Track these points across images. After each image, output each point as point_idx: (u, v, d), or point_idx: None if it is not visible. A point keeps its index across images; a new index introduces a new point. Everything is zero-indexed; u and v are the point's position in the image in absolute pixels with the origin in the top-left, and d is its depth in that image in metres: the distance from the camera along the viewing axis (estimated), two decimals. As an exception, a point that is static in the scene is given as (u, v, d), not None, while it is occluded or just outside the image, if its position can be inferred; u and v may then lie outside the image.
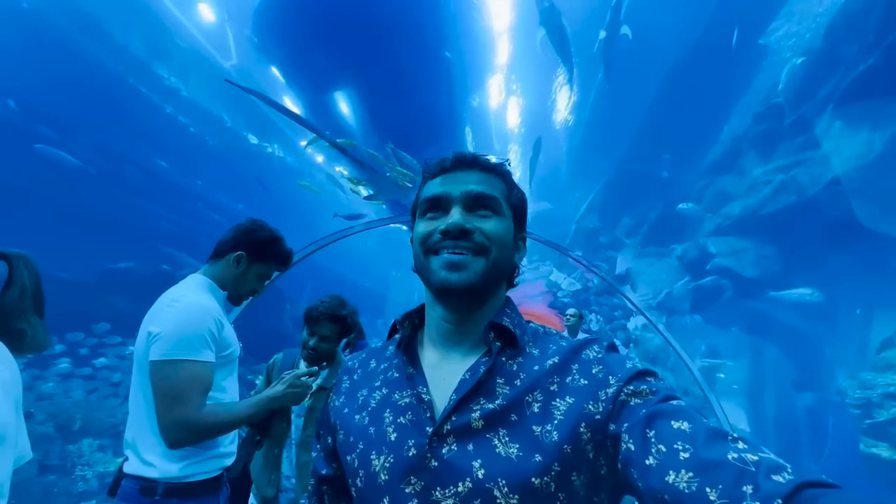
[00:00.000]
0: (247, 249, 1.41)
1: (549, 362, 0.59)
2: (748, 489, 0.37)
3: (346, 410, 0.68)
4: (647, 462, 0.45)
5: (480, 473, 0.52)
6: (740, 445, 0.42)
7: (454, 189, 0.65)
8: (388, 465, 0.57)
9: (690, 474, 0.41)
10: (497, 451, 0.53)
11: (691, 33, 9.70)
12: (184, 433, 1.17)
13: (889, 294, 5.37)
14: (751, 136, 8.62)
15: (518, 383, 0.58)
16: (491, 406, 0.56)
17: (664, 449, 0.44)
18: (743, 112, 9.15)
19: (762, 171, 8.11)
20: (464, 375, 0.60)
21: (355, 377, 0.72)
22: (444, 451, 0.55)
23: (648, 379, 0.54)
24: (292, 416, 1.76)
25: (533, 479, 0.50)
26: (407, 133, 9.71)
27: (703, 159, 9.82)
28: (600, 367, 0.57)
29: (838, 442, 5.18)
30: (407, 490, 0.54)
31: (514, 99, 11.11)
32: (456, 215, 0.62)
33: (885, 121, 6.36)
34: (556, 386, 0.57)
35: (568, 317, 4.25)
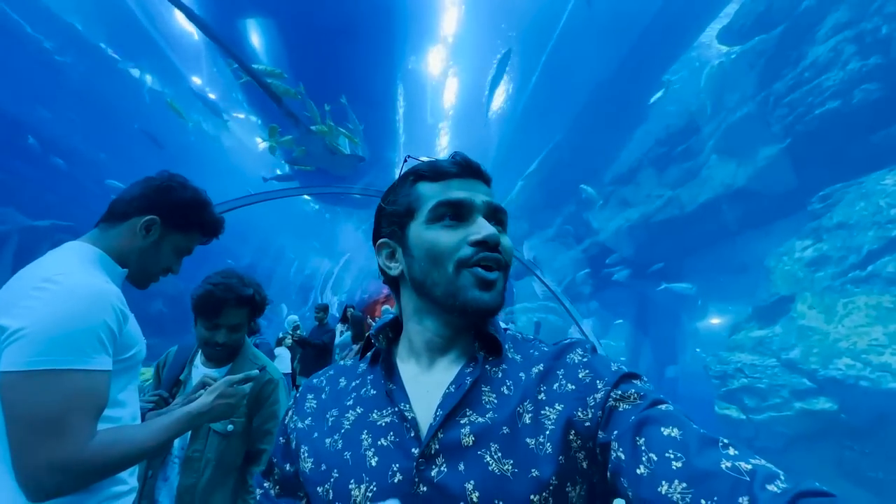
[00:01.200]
0: (162, 213, 1.03)
1: (535, 370, 0.57)
2: (744, 501, 0.37)
3: (315, 435, 0.60)
4: (637, 471, 0.44)
5: (475, 496, 0.48)
6: (732, 452, 0.41)
7: (476, 197, 0.59)
8: (370, 494, 0.51)
9: (684, 485, 0.40)
10: (491, 468, 0.49)
11: (614, 59, 10.88)
12: (62, 478, 0.78)
13: (742, 289, 6.84)
14: (651, 156, 10.09)
15: (505, 391, 0.55)
16: (481, 420, 0.52)
17: (655, 458, 0.43)
18: (646, 135, 10.64)
19: (656, 186, 9.52)
20: (448, 388, 0.56)
21: (323, 396, 0.64)
22: (433, 473, 0.50)
23: (635, 382, 0.53)
24: None
25: (532, 497, 0.48)
26: (328, 80, 8.77)
27: (610, 169, 11.14)
28: (586, 370, 0.55)
29: (697, 405, 6.50)
30: None
31: (453, 76, 11.06)
32: (488, 226, 0.57)
33: (749, 159, 8.00)
34: (543, 395, 0.55)
35: None
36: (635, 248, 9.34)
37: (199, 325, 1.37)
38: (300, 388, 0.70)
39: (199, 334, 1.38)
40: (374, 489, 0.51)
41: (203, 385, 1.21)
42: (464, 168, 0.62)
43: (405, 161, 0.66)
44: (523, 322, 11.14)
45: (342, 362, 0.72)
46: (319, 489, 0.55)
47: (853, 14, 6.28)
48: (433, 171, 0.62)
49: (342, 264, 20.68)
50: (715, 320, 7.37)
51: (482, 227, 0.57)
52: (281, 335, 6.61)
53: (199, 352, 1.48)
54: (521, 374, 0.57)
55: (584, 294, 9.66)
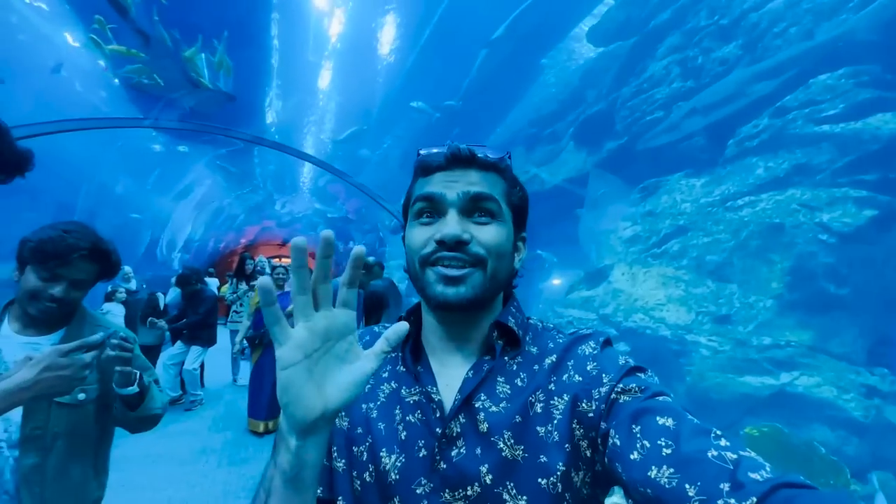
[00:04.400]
0: None
1: (548, 361, 0.60)
2: (725, 486, 0.39)
3: None
4: (631, 457, 0.46)
5: (489, 479, 0.52)
6: (722, 443, 0.44)
7: (450, 190, 0.60)
8: (399, 464, 0.56)
9: (672, 470, 0.42)
10: (504, 454, 0.53)
11: (503, 22, 11.23)
12: None
13: (578, 258, 8.28)
14: (522, 135, 11.04)
15: (519, 383, 0.58)
16: (495, 408, 0.56)
17: (648, 444, 0.46)
18: (520, 115, 11.54)
19: (524, 163, 10.52)
20: (467, 374, 0.59)
21: None
22: (453, 453, 0.55)
23: (639, 375, 0.56)
24: None
25: (540, 480, 0.52)
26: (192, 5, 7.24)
27: (484, 142, 11.81)
28: (595, 363, 0.57)
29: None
30: (418, 491, 0.54)
31: (339, 11, 10.08)
32: (452, 223, 0.58)
33: (595, 150, 9.41)
34: (553, 385, 0.57)
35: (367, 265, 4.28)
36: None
37: (26, 275, 1.13)
38: None
39: (25, 287, 1.14)
40: (403, 460, 0.55)
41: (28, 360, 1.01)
42: (451, 159, 0.61)
43: (418, 156, 0.66)
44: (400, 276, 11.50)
45: (376, 328, 0.71)
46: (355, 449, 0.59)
47: (682, 40, 7.72)
48: (423, 167, 0.63)
49: (191, 210, 17.83)
50: (556, 281, 8.75)
51: (444, 225, 0.57)
52: (110, 289, 5.60)
53: (6, 314, 1.21)
54: (535, 367, 0.59)
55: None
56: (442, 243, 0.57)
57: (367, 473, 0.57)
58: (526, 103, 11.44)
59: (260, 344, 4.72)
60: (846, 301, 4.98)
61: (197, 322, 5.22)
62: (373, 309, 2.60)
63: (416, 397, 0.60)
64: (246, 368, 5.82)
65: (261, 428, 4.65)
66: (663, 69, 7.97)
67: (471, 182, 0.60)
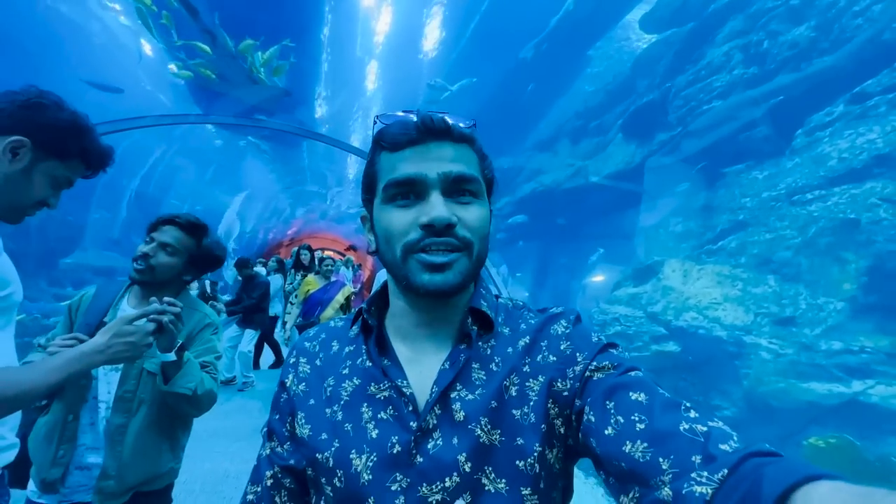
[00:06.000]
0: (32, 134, 0.89)
1: (521, 343, 0.59)
2: (697, 459, 0.39)
3: (312, 402, 0.61)
4: (605, 432, 0.47)
5: (467, 467, 0.51)
6: (692, 415, 0.44)
7: (430, 169, 0.54)
8: (371, 463, 0.53)
9: (645, 444, 0.43)
10: (481, 440, 0.52)
11: (542, 29, 11.06)
12: None
13: (626, 253, 8.00)
14: (567, 127, 10.79)
15: (494, 367, 0.57)
16: (471, 396, 0.55)
17: (622, 420, 0.46)
18: (566, 107, 11.28)
19: (568, 156, 10.30)
20: (443, 365, 0.57)
21: (317, 362, 0.64)
22: (429, 446, 0.53)
23: (612, 351, 0.55)
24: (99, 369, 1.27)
25: (517, 463, 0.52)
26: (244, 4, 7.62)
27: (530, 136, 11.69)
28: (568, 342, 0.57)
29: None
30: (393, 488, 0.52)
31: (387, 8, 10.28)
32: (439, 206, 0.53)
33: (646, 141, 9.05)
34: (528, 367, 0.56)
35: None
36: (542, 211, 10.19)
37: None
38: (291, 350, 0.68)
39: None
40: (375, 459, 0.53)
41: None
42: (423, 131, 0.55)
43: (375, 123, 0.59)
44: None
45: (331, 323, 0.69)
46: (319, 456, 0.56)
47: (746, 24, 7.24)
48: (390, 140, 0.56)
49: (243, 202, 18.89)
50: (599, 277, 8.52)
51: (431, 208, 0.53)
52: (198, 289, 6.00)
53: (127, 293, 1.39)
54: (509, 349, 0.58)
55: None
56: (429, 227, 0.52)
57: (337, 479, 0.54)
58: (572, 95, 11.16)
59: None
60: (933, 305, 4.51)
61: (252, 306, 5.53)
62: None
63: (385, 393, 0.57)
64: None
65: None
66: (723, 55, 7.51)
67: (449, 159, 0.55)
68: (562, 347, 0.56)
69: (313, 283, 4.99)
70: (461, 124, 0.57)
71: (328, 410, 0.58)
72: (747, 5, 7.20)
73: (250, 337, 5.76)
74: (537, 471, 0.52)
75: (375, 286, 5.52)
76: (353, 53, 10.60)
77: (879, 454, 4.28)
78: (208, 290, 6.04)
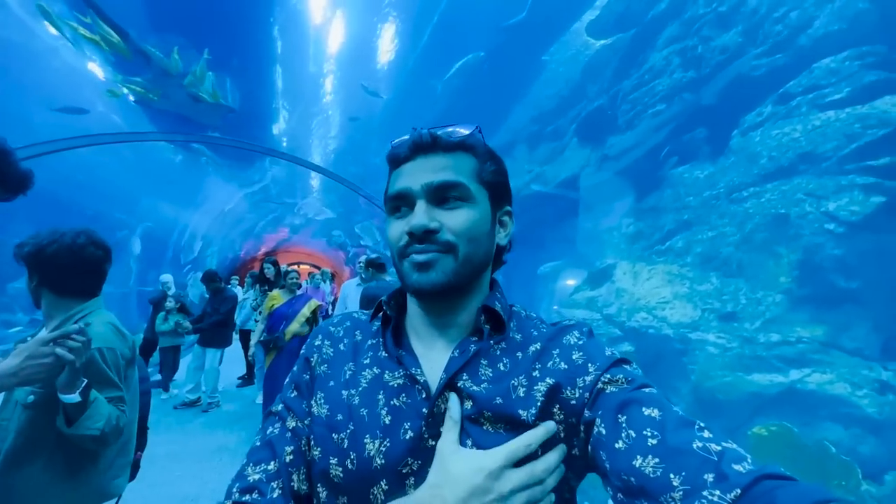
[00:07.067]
0: None
1: (532, 349, 0.60)
2: (709, 477, 0.39)
3: (332, 383, 0.64)
4: (616, 446, 0.47)
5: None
6: (706, 434, 0.44)
7: (415, 182, 0.60)
8: (384, 448, 0.56)
9: (657, 460, 0.43)
10: (485, 428, 0.55)
11: (497, 35, 11.21)
12: None
13: (585, 256, 8.16)
14: (525, 133, 10.95)
15: (501, 367, 0.59)
16: (476, 388, 0.57)
17: (634, 434, 0.46)
18: (522, 112, 11.44)
19: (526, 162, 10.45)
20: (452, 353, 0.60)
21: (341, 346, 0.68)
22: (441, 429, 0.56)
23: (625, 367, 0.56)
24: None
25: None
26: (195, 19, 7.48)
27: (488, 141, 11.76)
28: (580, 353, 0.58)
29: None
30: (404, 471, 0.55)
31: (338, 21, 10.23)
32: (419, 214, 0.58)
33: (598, 145, 9.28)
34: (538, 371, 0.58)
35: (368, 261, 4.30)
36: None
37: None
38: (315, 333, 0.73)
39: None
40: (388, 444, 0.55)
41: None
42: (414, 148, 0.62)
43: (391, 146, 0.67)
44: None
45: (356, 314, 0.73)
46: (335, 436, 0.59)
47: (681, 30, 7.53)
48: (391, 160, 0.65)
49: (212, 220, 18.41)
50: (561, 282, 8.67)
51: (413, 217, 0.59)
52: (157, 297, 5.77)
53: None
54: (519, 354, 0.60)
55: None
56: (412, 234, 0.58)
57: (349, 461, 0.57)
58: (528, 100, 11.34)
59: (274, 348, 4.81)
60: (857, 294, 4.77)
61: (219, 321, 5.36)
62: (366, 306, 2.67)
63: (400, 380, 0.60)
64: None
65: (278, 428, 4.77)
66: (664, 60, 7.79)
67: (435, 170, 0.60)
68: (574, 357, 0.58)
69: (278, 297, 4.89)
70: (454, 134, 0.62)
71: (345, 393, 0.61)
72: (682, 11, 7.50)
73: (212, 355, 5.61)
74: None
75: (340, 299, 5.45)
76: (306, 68, 10.50)
77: (816, 439, 4.50)
78: (174, 304, 5.80)
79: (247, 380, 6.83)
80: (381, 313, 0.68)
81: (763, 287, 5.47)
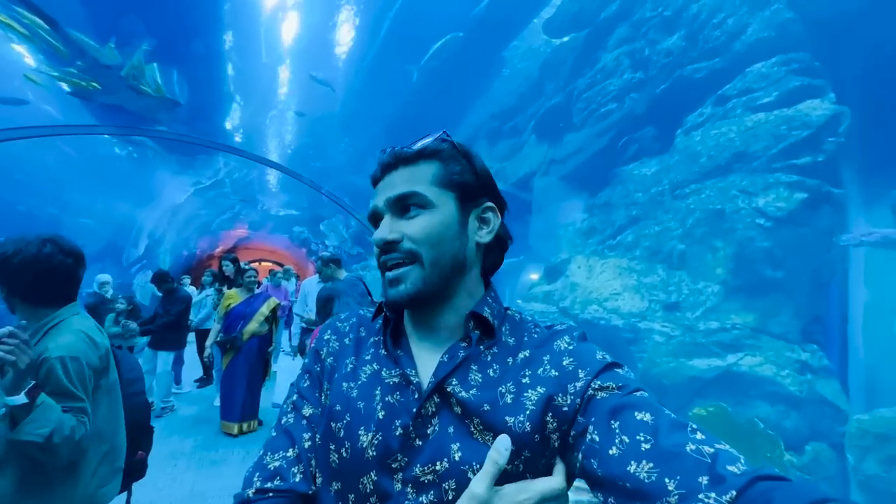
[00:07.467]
0: None
1: (521, 355, 0.61)
2: (704, 480, 0.40)
3: (336, 375, 0.67)
4: (610, 452, 0.47)
5: (457, 456, 0.55)
6: (699, 437, 0.45)
7: (380, 199, 0.64)
8: (376, 442, 0.58)
9: (651, 465, 0.43)
10: (474, 437, 0.56)
11: (458, 28, 11.22)
12: None
13: (543, 251, 8.40)
14: (485, 129, 11.06)
15: (491, 373, 0.60)
16: (465, 394, 0.58)
17: (627, 440, 0.47)
18: (482, 108, 11.54)
19: (486, 159, 10.56)
20: (442, 358, 0.61)
21: (346, 341, 0.71)
22: (428, 430, 0.58)
23: (617, 371, 0.57)
24: None
25: (506, 466, 0.53)
26: (137, 8, 7.03)
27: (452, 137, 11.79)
28: (571, 359, 0.59)
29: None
30: (393, 465, 0.57)
31: (292, 12, 9.88)
32: (382, 228, 0.62)
33: (555, 142, 9.52)
34: (527, 378, 0.59)
35: (322, 260, 4.23)
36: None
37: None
38: (324, 328, 0.75)
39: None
40: (380, 438, 0.58)
41: None
42: (382, 167, 0.65)
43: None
44: (371, 278, 11.46)
45: (362, 311, 0.76)
46: (334, 425, 0.62)
47: (630, 32, 7.82)
48: (372, 183, 0.67)
49: (160, 216, 17.41)
50: (533, 276, 8.89)
51: (377, 232, 0.62)
52: (92, 301, 5.40)
53: None
54: (509, 359, 0.61)
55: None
56: (379, 247, 0.62)
57: (344, 450, 0.59)
58: (488, 97, 11.44)
59: (231, 348, 4.66)
60: (782, 283, 5.21)
61: (170, 323, 5.12)
62: (322, 306, 2.69)
63: (395, 379, 0.62)
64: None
65: (235, 430, 4.62)
66: (614, 61, 8.07)
67: (394, 184, 0.63)
68: (564, 363, 0.58)
69: (235, 296, 4.72)
70: (424, 142, 0.64)
71: (345, 385, 0.64)
72: (630, 14, 7.78)
73: (164, 358, 5.38)
74: (521, 471, 0.55)
75: (301, 296, 5.32)
76: (259, 59, 10.09)
77: (747, 416, 4.90)
78: (126, 305, 5.45)
79: (205, 380, 6.62)
80: (382, 313, 0.71)
81: (703, 278, 5.85)
